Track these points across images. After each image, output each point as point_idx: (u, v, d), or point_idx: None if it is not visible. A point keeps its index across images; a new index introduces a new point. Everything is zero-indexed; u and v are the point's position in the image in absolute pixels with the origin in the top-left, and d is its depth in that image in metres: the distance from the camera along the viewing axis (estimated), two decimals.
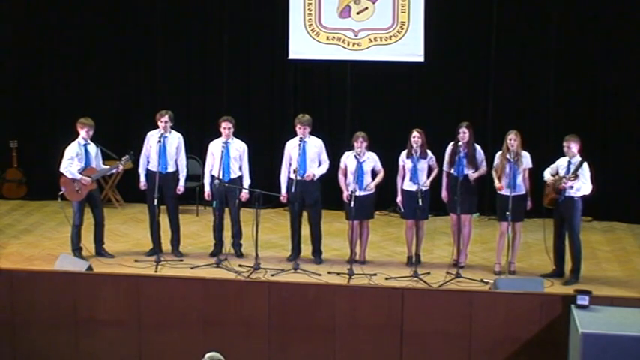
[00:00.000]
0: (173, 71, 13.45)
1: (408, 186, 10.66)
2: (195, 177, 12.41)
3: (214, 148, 10.97)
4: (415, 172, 10.58)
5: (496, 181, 10.48)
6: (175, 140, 11.04)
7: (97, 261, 10.73)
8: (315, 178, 10.81)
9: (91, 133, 10.89)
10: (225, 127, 10.87)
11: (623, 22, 12.38)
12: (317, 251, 10.98)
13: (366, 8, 12.86)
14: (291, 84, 13.34)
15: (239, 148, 10.97)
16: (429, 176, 10.70)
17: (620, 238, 12.07)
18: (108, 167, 11.19)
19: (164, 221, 11.12)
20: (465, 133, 10.61)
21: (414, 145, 10.61)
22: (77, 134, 10.93)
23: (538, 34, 12.63)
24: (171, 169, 11.01)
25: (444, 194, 10.83)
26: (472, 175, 10.60)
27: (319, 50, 12.99)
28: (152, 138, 11.01)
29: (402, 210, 10.88)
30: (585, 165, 10.17)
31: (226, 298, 9.40)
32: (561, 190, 10.15)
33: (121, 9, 13.39)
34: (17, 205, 13.40)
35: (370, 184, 10.72)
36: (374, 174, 10.81)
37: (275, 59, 13.24)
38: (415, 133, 10.67)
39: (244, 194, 10.93)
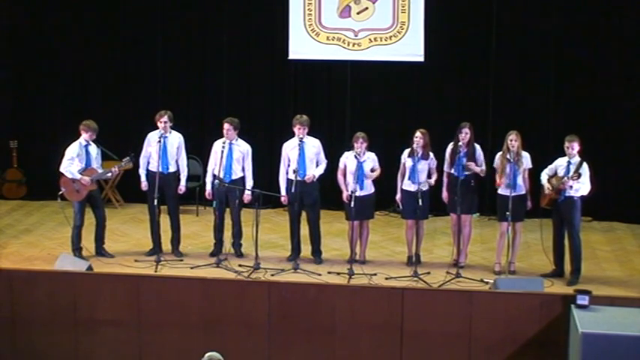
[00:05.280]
0: (173, 71, 13.45)
1: (408, 186, 10.67)
2: (195, 177, 12.41)
3: (218, 147, 10.97)
4: (414, 171, 10.58)
5: (497, 177, 10.46)
6: (176, 140, 11.04)
7: (97, 261, 10.72)
8: (315, 179, 10.82)
9: (93, 136, 10.90)
10: (226, 128, 10.86)
11: (623, 22, 12.38)
12: (317, 251, 10.98)
13: (366, 8, 12.86)
14: (291, 84, 13.35)
15: (242, 150, 10.96)
16: (429, 178, 10.69)
17: (620, 238, 12.07)
18: (106, 170, 11.15)
19: (164, 221, 11.12)
20: (466, 133, 10.61)
21: (415, 146, 10.61)
22: (78, 134, 10.93)
23: (538, 34, 12.62)
24: (172, 169, 11.01)
25: (444, 194, 10.83)
26: (474, 167, 10.53)
27: (319, 50, 12.99)
28: (152, 138, 11.01)
29: (401, 207, 10.89)
30: (585, 165, 10.18)
31: (226, 298, 9.40)
32: (562, 190, 10.15)
33: (121, 9, 13.38)
34: (17, 205, 13.40)
35: (371, 175, 10.69)
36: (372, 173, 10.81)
37: (275, 59, 13.24)
38: (418, 134, 10.66)
39: (247, 195, 10.92)
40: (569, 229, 10.25)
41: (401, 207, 10.93)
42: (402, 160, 10.76)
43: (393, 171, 10.89)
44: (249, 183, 10.97)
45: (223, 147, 10.86)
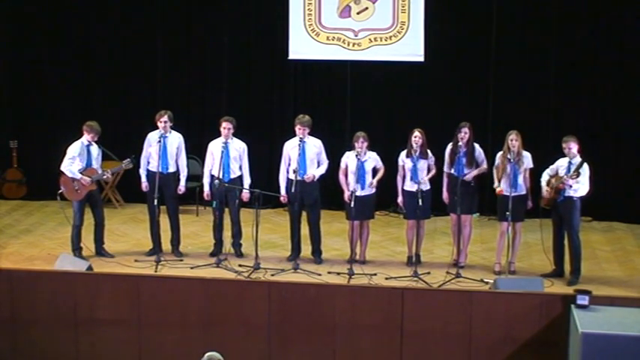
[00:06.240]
0: (173, 71, 13.45)
1: (409, 186, 10.66)
2: (195, 177, 12.40)
3: (214, 147, 10.97)
4: (415, 171, 10.58)
5: (496, 182, 10.48)
6: (176, 140, 11.05)
7: (97, 261, 10.73)
8: (315, 179, 10.82)
9: (95, 138, 10.90)
10: (225, 127, 10.88)
11: (622, 21, 12.38)
12: (317, 251, 10.98)
13: (366, 8, 12.86)
14: (291, 84, 13.34)
15: (239, 148, 10.97)
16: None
17: (620, 238, 12.06)
18: (104, 171, 11.09)
19: (164, 221, 11.12)
20: (465, 133, 10.61)
21: (414, 145, 10.61)
22: (79, 134, 10.93)
23: (538, 34, 12.62)
24: (171, 169, 11.01)
25: (444, 194, 10.82)
26: (469, 174, 10.58)
27: (319, 50, 12.99)
28: (152, 138, 11.02)
29: (404, 210, 10.88)
30: (586, 165, 10.18)
31: (226, 298, 9.40)
32: (561, 189, 10.16)
33: (121, 9, 13.38)
34: (17, 205, 13.40)
35: (372, 181, 10.71)
36: (374, 172, 10.80)
37: (275, 59, 13.24)
38: (416, 133, 10.66)
39: (245, 194, 10.93)
40: (568, 230, 10.25)
41: (403, 210, 10.91)
42: (400, 163, 10.75)
43: (392, 171, 10.88)
44: (247, 181, 10.98)
45: (223, 147, 10.86)
